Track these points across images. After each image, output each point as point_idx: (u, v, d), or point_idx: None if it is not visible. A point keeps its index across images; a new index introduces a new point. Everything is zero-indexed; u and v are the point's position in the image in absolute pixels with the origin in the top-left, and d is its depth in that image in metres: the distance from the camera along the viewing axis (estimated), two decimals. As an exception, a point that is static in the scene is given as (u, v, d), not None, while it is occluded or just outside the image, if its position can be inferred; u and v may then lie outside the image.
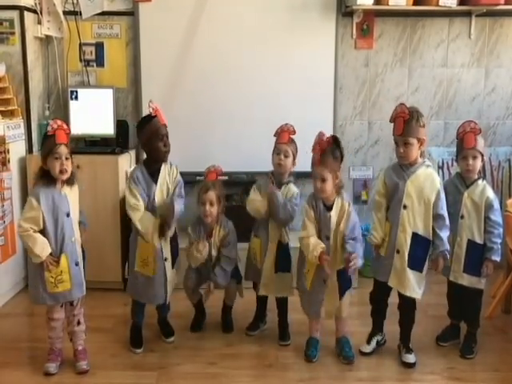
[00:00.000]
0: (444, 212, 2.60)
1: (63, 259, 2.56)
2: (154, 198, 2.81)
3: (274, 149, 2.91)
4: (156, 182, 2.83)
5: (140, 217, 2.77)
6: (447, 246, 2.61)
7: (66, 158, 2.55)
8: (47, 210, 2.53)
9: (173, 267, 2.90)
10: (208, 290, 2.94)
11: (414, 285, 2.64)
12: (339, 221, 2.66)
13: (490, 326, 3.11)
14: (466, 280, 2.77)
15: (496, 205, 2.72)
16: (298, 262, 2.82)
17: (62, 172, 2.53)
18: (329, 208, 2.67)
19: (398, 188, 2.63)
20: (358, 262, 2.57)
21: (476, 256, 2.73)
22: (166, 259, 2.84)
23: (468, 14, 3.89)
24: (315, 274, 2.69)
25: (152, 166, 2.85)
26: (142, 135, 2.86)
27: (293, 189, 2.91)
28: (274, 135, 2.93)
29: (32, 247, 2.50)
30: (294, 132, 2.91)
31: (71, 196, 2.62)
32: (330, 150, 2.60)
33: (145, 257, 2.81)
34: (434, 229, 2.61)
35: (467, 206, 2.74)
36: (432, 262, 2.65)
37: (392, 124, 2.64)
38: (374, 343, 2.83)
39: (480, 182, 2.75)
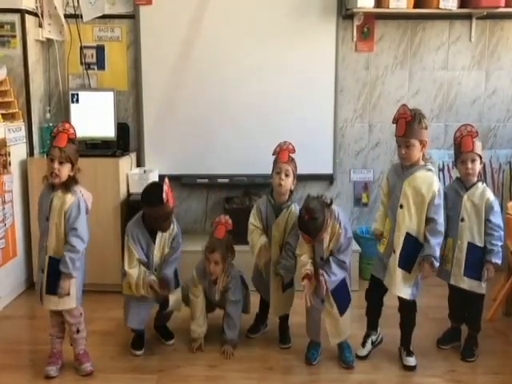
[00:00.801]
0: (437, 217, 2.57)
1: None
2: (152, 258, 2.79)
3: (273, 168, 2.85)
4: (154, 242, 2.80)
5: (135, 282, 2.73)
6: (434, 252, 2.56)
7: (60, 162, 2.47)
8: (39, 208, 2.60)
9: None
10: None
11: (401, 283, 2.62)
12: (331, 241, 2.66)
13: (491, 329, 3.11)
14: (466, 284, 2.76)
15: (496, 207, 2.71)
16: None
17: (51, 175, 2.48)
18: None
19: (396, 187, 2.64)
20: (326, 284, 2.60)
21: (476, 259, 2.72)
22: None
23: (468, 16, 3.89)
24: (312, 294, 2.67)
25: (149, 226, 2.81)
26: (146, 209, 2.77)
27: (296, 210, 2.84)
28: (273, 154, 2.87)
29: None
30: (293, 150, 2.85)
31: (57, 203, 2.50)
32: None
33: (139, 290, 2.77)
34: (424, 232, 2.60)
35: (467, 209, 2.73)
36: (418, 265, 2.62)
37: (394, 126, 2.63)
38: (369, 345, 2.82)
39: (480, 184, 2.75)
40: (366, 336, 2.84)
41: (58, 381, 2.63)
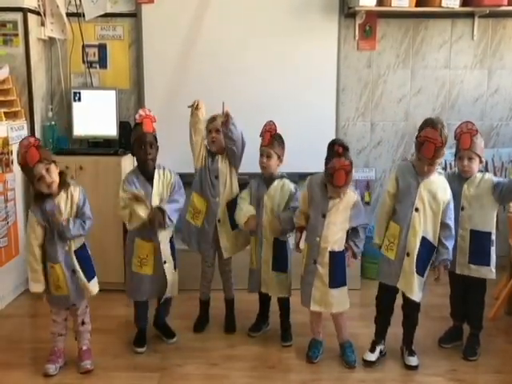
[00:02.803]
0: (451, 222, 2.61)
1: (58, 268, 2.58)
2: (150, 203, 2.77)
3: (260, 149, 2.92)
4: (152, 186, 2.81)
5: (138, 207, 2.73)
6: (450, 256, 2.62)
7: (47, 169, 2.49)
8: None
9: (175, 269, 2.90)
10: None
11: (416, 288, 2.63)
12: (343, 208, 2.65)
13: (493, 328, 3.10)
14: (473, 271, 2.75)
15: (499, 179, 2.75)
16: None
17: (49, 187, 2.52)
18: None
19: (411, 189, 2.62)
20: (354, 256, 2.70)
21: (481, 245, 2.73)
22: (165, 262, 2.83)
23: (471, 15, 3.89)
24: (307, 257, 2.70)
25: (145, 172, 2.83)
26: (132, 144, 2.86)
27: (289, 185, 2.91)
28: (260, 136, 2.93)
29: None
30: (275, 130, 2.90)
31: (67, 202, 2.58)
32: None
33: (143, 256, 2.81)
34: (439, 237, 2.62)
35: (467, 197, 2.74)
36: (434, 269, 2.64)
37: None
38: (377, 352, 2.78)
39: (478, 173, 2.75)
40: (375, 343, 2.79)
41: (58, 378, 2.64)
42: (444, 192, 2.61)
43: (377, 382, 2.63)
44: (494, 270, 2.75)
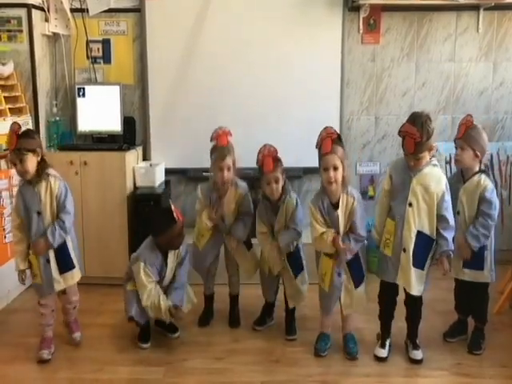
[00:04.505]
0: (448, 213, 2.58)
1: (32, 256, 2.66)
2: (164, 278, 2.86)
3: (261, 177, 2.84)
4: (167, 263, 2.86)
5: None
6: (451, 246, 2.59)
7: (20, 160, 2.56)
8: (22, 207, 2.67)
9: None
10: (230, 244, 3.00)
11: (414, 282, 2.62)
12: (347, 216, 2.67)
13: (498, 322, 3.10)
14: (467, 275, 2.76)
15: (489, 195, 2.66)
16: (316, 262, 2.83)
17: (22, 175, 2.62)
18: (335, 206, 2.66)
19: (404, 185, 2.61)
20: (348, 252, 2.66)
21: (474, 251, 2.71)
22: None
23: (476, 7, 3.86)
24: (332, 274, 2.70)
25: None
26: (162, 234, 2.81)
27: (291, 202, 2.87)
28: (257, 163, 2.83)
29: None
30: (276, 152, 2.81)
31: (46, 193, 2.65)
32: (337, 141, 2.60)
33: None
34: (437, 229, 2.60)
35: (462, 202, 2.73)
36: (438, 262, 2.63)
37: (400, 119, 2.63)
38: (387, 347, 2.77)
39: (476, 176, 2.73)
40: (384, 339, 2.79)
41: (64, 373, 2.65)
42: (437, 184, 2.57)
43: (382, 376, 2.63)
44: (489, 274, 2.74)
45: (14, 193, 3.41)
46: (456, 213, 2.71)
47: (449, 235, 2.59)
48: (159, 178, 3.82)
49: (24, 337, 2.99)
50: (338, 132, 2.66)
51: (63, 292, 2.78)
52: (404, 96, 4.00)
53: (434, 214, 2.59)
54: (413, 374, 2.65)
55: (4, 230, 3.31)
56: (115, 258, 3.55)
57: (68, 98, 3.97)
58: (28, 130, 2.72)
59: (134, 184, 3.70)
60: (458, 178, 2.81)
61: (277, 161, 2.83)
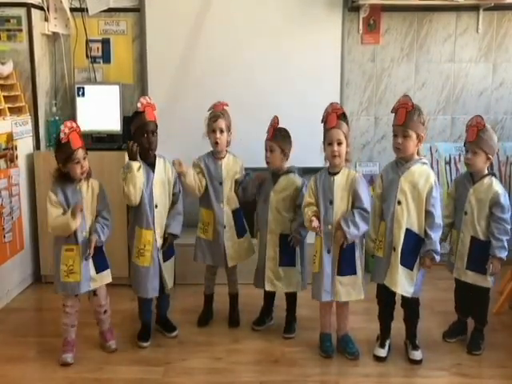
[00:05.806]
0: (434, 210, 2.56)
1: (75, 249, 2.63)
2: (151, 187, 2.81)
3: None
4: (154, 173, 2.84)
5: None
6: (435, 246, 2.55)
7: (84, 158, 2.63)
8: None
9: (165, 260, 2.89)
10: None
11: (403, 282, 2.60)
12: (346, 187, 2.65)
13: (498, 323, 3.10)
14: (469, 277, 2.75)
15: (503, 200, 2.67)
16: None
17: (82, 173, 2.64)
18: (334, 174, 2.67)
19: (393, 184, 2.61)
20: (345, 239, 2.61)
21: (480, 253, 2.70)
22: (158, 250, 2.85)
23: (476, 8, 3.86)
24: (321, 252, 2.68)
25: (146, 159, 2.84)
26: (131, 130, 2.86)
27: (294, 181, 2.89)
28: (267, 132, 2.92)
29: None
30: (277, 123, 2.90)
31: (88, 191, 2.70)
32: (342, 117, 2.66)
33: (141, 246, 2.83)
34: (425, 227, 2.58)
35: (471, 203, 2.72)
36: (420, 259, 2.61)
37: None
38: (387, 347, 2.77)
39: (487, 179, 2.72)
40: (384, 338, 2.78)
41: (64, 372, 2.64)
42: (425, 180, 2.57)
43: (381, 376, 2.63)
44: (490, 279, 2.72)
45: (14, 192, 3.43)
46: (464, 213, 2.72)
47: (434, 233, 2.56)
48: (159, 177, 3.81)
49: (23, 336, 2.99)
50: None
51: (94, 294, 2.74)
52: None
53: (422, 212, 2.58)
54: (412, 374, 2.65)
55: (3, 229, 3.31)
56: (114, 257, 3.50)
57: (67, 97, 3.97)
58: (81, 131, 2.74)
59: (134, 184, 3.69)
60: (468, 179, 2.78)
61: (278, 132, 2.89)
